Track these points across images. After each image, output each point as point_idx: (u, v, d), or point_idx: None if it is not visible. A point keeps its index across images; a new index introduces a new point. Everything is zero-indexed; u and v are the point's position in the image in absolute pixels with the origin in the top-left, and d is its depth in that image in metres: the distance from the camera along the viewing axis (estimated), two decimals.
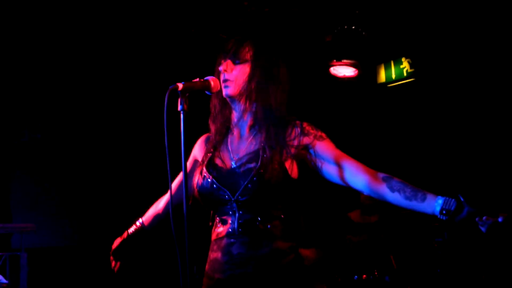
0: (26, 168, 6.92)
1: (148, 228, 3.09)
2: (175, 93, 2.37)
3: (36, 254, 6.18)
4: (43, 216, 6.82)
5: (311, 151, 2.68)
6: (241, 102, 2.71)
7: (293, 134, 2.70)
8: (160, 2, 5.65)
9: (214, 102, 2.81)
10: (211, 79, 2.56)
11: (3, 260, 5.58)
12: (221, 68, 2.68)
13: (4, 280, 5.24)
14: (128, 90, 6.95)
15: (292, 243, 2.64)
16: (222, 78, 2.67)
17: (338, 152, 2.67)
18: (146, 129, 6.30)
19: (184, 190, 2.31)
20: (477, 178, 6.46)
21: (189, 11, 5.75)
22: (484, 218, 2.31)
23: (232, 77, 2.67)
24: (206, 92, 2.58)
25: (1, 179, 6.76)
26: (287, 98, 2.77)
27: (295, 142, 2.68)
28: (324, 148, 2.67)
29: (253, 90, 2.67)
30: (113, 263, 3.09)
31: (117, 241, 3.09)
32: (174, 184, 3.02)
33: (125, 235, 3.10)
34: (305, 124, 2.73)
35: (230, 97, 2.69)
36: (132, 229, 3.10)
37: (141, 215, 3.15)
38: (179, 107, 2.36)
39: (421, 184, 2.49)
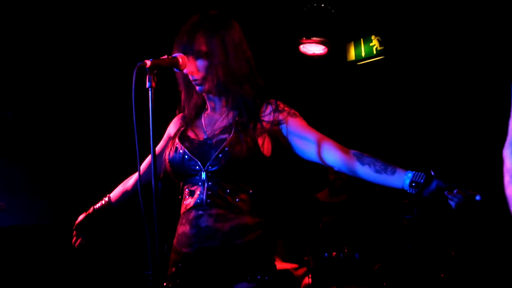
0: None
1: (115, 204, 3.09)
2: (143, 70, 2.36)
3: (6, 232, 6.15)
4: (13, 194, 6.77)
5: (284, 127, 2.72)
6: (213, 92, 2.74)
7: (267, 111, 2.74)
8: None
9: (185, 82, 2.81)
10: (180, 56, 2.55)
11: None
12: (186, 70, 2.66)
13: None
14: (97, 67, 6.89)
15: (260, 219, 2.66)
16: (190, 77, 2.69)
17: (310, 128, 2.72)
18: (117, 107, 6.25)
19: (152, 168, 2.30)
20: (448, 155, 6.52)
21: None
22: (455, 191, 2.34)
23: (199, 75, 2.67)
24: (175, 69, 2.58)
25: None
26: (253, 67, 2.78)
27: (269, 118, 2.72)
28: (296, 125, 2.72)
29: (220, 80, 2.67)
30: (74, 238, 3.08)
31: (82, 216, 3.09)
32: (145, 162, 3.04)
33: (90, 210, 3.10)
34: (279, 102, 2.77)
35: (204, 92, 2.74)
36: (98, 205, 3.11)
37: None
38: (147, 84, 2.34)
39: (391, 161, 2.52)
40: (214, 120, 2.78)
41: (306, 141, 2.68)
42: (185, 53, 2.65)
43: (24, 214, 6.81)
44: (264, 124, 2.70)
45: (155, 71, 2.37)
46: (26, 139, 6.94)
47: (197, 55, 2.66)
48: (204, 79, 2.68)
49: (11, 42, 6.46)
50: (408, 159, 6.36)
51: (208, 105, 2.83)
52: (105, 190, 3.21)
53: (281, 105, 2.75)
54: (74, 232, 3.08)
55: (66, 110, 7.04)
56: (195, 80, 2.69)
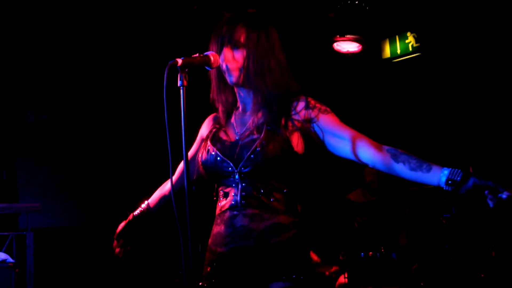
0: (32, 149, 6.94)
1: (154, 210, 3.08)
2: (175, 69, 2.35)
3: (42, 234, 6.22)
4: (49, 197, 6.85)
5: (316, 124, 2.67)
6: (245, 85, 2.71)
7: (298, 108, 2.69)
8: None
9: (217, 77, 2.79)
10: (211, 54, 2.54)
11: (10, 240, 5.62)
12: (221, 58, 2.65)
13: (11, 259, 5.27)
14: (131, 68, 6.94)
15: (294, 218, 2.64)
16: (224, 67, 2.67)
17: (343, 125, 2.67)
18: (151, 107, 6.29)
19: (184, 167, 2.30)
20: (484, 154, 6.42)
21: None
22: (501, 192, 2.28)
23: (233, 65, 2.65)
24: (206, 67, 2.57)
25: (8, 160, 6.78)
26: (288, 67, 2.76)
27: (300, 116, 2.68)
28: (329, 122, 2.67)
29: (254, 72, 2.65)
30: (117, 249, 3.06)
31: (122, 224, 3.08)
32: (180, 167, 3.05)
33: (130, 217, 3.09)
34: (310, 99, 2.72)
35: (235, 84, 2.70)
36: (137, 212, 3.09)
37: (146, 194, 3.13)
38: (179, 83, 2.34)
39: (427, 158, 2.47)
40: (245, 119, 2.76)
41: (339, 138, 2.63)
42: (222, 43, 2.66)
43: (59, 216, 6.88)
44: (296, 121, 2.66)
45: (186, 70, 2.36)
46: (61, 141, 7.01)
47: (234, 45, 2.65)
48: (237, 69, 2.65)
49: (47, 47, 6.55)
50: (443, 155, 6.29)
51: (239, 104, 2.80)
52: (140, 192, 3.20)
53: (312, 102, 2.71)
54: (115, 242, 3.07)
55: (99, 112, 7.10)
56: (228, 69, 2.66)
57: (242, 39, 2.65)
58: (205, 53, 2.55)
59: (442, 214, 5.75)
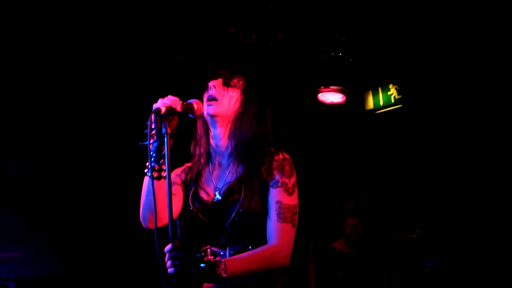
0: (14, 198, 6.89)
1: None
2: (159, 116, 2.38)
3: (24, 284, 6.14)
4: (31, 247, 6.78)
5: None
6: (222, 125, 2.69)
7: (263, 168, 2.64)
8: (148, 27, 5.68)
9: (198, 126, 2.78)
10: (194, 102, 2.55)
11: None
12: (210, 84, 2.66)
13: None
14: (115, 116, 6.95)
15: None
16: (207, 96, 2.67)
17: (277, 206, 2.61)
18: (134, 155, 6.29)
19: (169, 212, 2.30)
20: (466, 204, 6.43)
21: (176, 36, 5.77)
22: None
23: (220, 96, 2.65)
24: (189, 115, 2.57)
25: None
26: (270, 130, 2.76)
27: (264, 176, 2.63)
28: (271, 196, 2.62)
29: (238, 116, 2.66)
30: None
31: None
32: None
33: None
34: (276, 158, 2.66)
35: (213, 116, 2.66)
36: None
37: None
38: (163, 130, 2.35)
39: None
40: (222, 174, 2.72)
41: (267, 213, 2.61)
42: (217, 77, 2.68)
43: (40, 266, 6.81)
44: (263, 181, 2.62)
45: (170, 117, 2.38)
46: (43, 191, 6.98)
47: (228, 83, 2.67)
48: (220, 103, 2.64)
49: (29, 97, 6.56)
50: (425, 207, 6.31)
51: (216, 156, 2.77)
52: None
53: (274, 165, 2.63)
54: None
55: (82, 162, 7.09)
56: (212, 98, 2.65)
57: (236, 81, 2.68)
58: (189, 101, 2.55)
59: (426, 263, 5.75)
